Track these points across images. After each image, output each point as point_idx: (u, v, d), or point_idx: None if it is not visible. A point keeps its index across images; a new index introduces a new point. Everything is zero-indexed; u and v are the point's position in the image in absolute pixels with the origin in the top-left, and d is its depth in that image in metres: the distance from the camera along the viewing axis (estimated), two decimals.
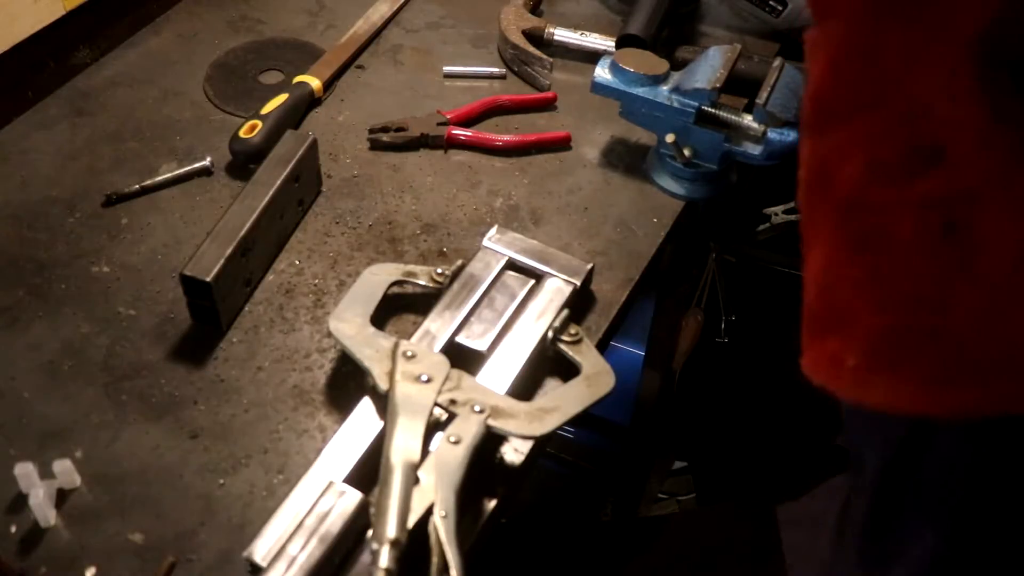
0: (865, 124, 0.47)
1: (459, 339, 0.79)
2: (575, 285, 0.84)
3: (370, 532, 0.66)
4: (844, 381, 0.52)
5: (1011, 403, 0.48)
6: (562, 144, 1.05)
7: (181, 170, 0.99)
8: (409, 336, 0.79)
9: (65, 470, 0.72)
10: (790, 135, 0.92)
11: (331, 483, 0.68)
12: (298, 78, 1.08)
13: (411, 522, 0.65)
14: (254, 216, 0.85)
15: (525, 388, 0.79)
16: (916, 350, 0.49)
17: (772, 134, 0.92)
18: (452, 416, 0.72)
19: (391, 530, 0.62)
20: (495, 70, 1.14)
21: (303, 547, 0.64)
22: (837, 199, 0.51)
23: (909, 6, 0.45)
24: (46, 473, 0.71)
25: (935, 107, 0.45)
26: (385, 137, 1.04)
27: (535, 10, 1.21)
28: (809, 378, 0.52)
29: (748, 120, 0.93)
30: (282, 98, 1.03)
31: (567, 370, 0.80)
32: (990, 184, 0.45)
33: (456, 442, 0.69)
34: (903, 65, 0.45)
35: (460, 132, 1.04)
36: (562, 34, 1.15)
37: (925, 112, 0.45)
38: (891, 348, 0.50)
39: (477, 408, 0.72)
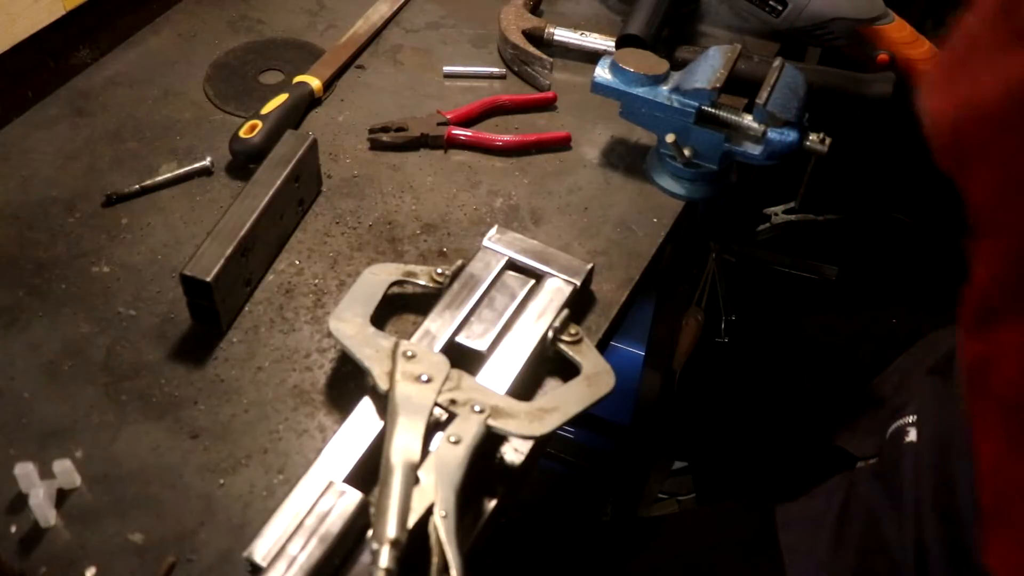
0: None
1: (459, 339, 0.79)
2: (575, 285, 0.84)
3: (370, 532, 0.66)
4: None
5: None
6: (562, 144, 1.05)
7: (181, 170, 0.99)
8: (409, 336, 0.79)
9: (65, 470, 0.72)
10: (790, 135, 0.92)
11: (331, 483, 0.68)
12: (298, 78, 1.08)
13: (411, 522, 0.65)
14: (254, 216, 0.85)
15: (525, 388, 0.79)
16: None
17: (772, 134, 0.92)
18: (452, 416, 0.72)
19: (391, 530, 0.63)
20: (495, 70, 1.14)
21: (303, 547, 0.64)
22: (999, 397, 0.50)
23: None
24: (46, 473, 0.71)
25: None
26: (385, 137, 1.04)
27: (535, 10, 1.21)
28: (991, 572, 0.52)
29: (748, 120, 0.93)
30: (282, 98, 1.03)
31: (567, 370, 0.80)
32: None
33: (456, 442, 0.69)
34: None
35: (460, 132, 1.04)
36: (562, 34, 1.15)
37: None
38: None
39: (477, 408, 0.72)
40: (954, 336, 0.84)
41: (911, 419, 0.90)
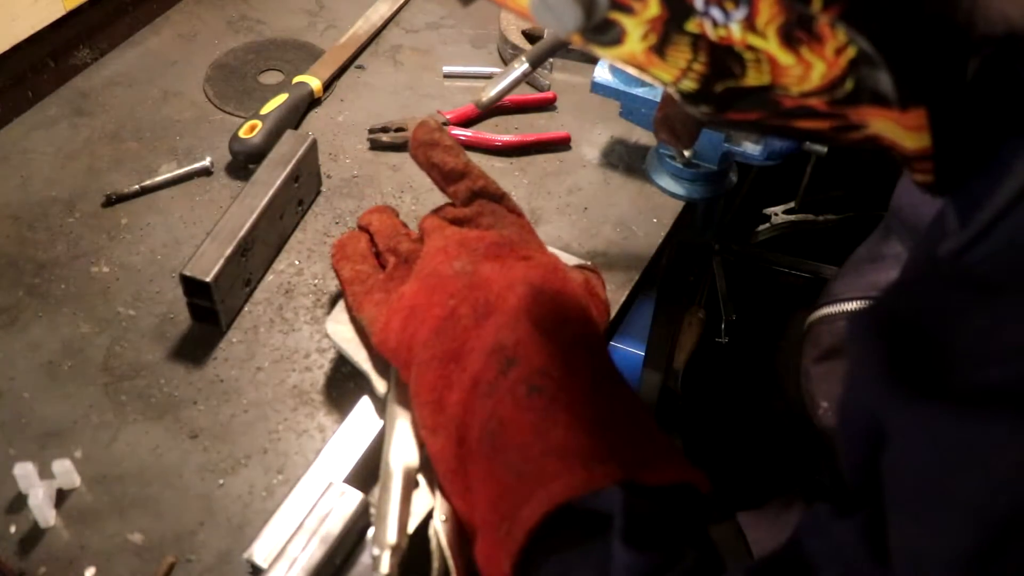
0: None
1: None
2: None
3: (371, 532, 0.66)
4: None
5: None
6: (562, 144, 1.05)
7: (181, 170, 0.99)
8: None
9: (65, 470, 0.72)
10: None
11: (331, 483, 0.68)
12: (298, 78, 1.08)
13: (411, 527, 0.65)
14: (254, 216, 0.85)
15: None
16: None
17: None
18: None
19: (391, 535, 0.62)
20: (495, 70, 1.14)
21: (304, 547, 0.64)
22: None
23: None
24: (46, 473, 0.71)
25: None
26: (385, 137, 1.04)
27: None
28: None
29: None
30: (282, 98, 1.03)
31: None
32: None
33: None
34: None
35: (460, 132, 1.04)
36: None
37: None
38: None
39: None
40: (832, 329, 0.87)
41: (824, 405, 0.91)
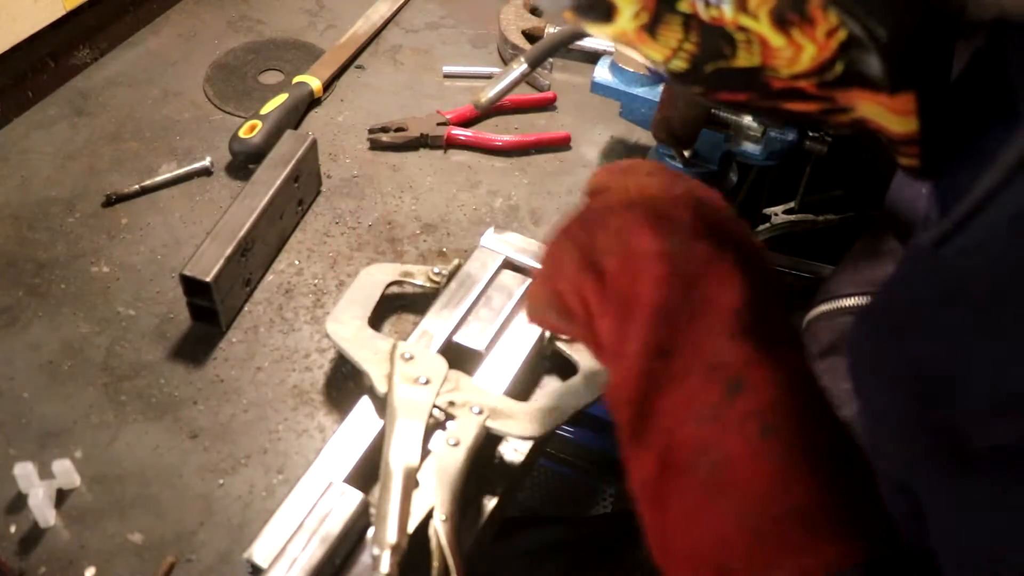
0: None
1: (457, 338, 0.79)
2: None
3: (371, 532, 0.66)
4: None
5: None
6: (562, 144, 1.05)
7: (181, 170, 0.99)
8: (407, 336, 0.79)
9: (65, 470, 0.72)
10: (790, 135, 0.92)
11: (331, 483, 0.68)
12: (298, 78, 1.08)
13: (411, 526, 0.65)
14: (254, 216, 0.85)
15: (523, 387, 0.79)
16: None
17: (772, 134, 0.92)
18: (451, 418, 0.72)
19: (391, 535, 0.62)
20: (495, 70, 1.14)
21: (304, 547, 0.64)
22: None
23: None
24: (46, 473, 0.71)
25: None
26: (385, 137, 1.04)
27: (535, 10, 1.21)
28: None
29: (748, 120, 0.93)
30: (282, 98, 1.03)
31: (565, 369, 0.80)
32: None
33: (455, 444, 0.69)
34: None
35: (460, 132, 1.04)
36: None
37: None
38: None
39: (476, 410, 0.72)
40: (831, 325, 0.85)
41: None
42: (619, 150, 1.05)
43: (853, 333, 0.45)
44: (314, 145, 0.95)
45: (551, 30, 1.15)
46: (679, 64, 0.45)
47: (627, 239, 0.55)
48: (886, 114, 0.43)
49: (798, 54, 0.41)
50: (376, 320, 0.81)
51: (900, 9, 0.38)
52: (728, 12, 0.40)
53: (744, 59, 0.42)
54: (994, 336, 0.37)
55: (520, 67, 0.86)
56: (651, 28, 0.43)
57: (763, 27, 0.40)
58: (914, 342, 0.42)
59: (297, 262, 0.91)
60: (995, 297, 0.37)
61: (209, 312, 0.83)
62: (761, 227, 1.28)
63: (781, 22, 0.40)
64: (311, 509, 0.66)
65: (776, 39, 0.41)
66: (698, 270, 0.54)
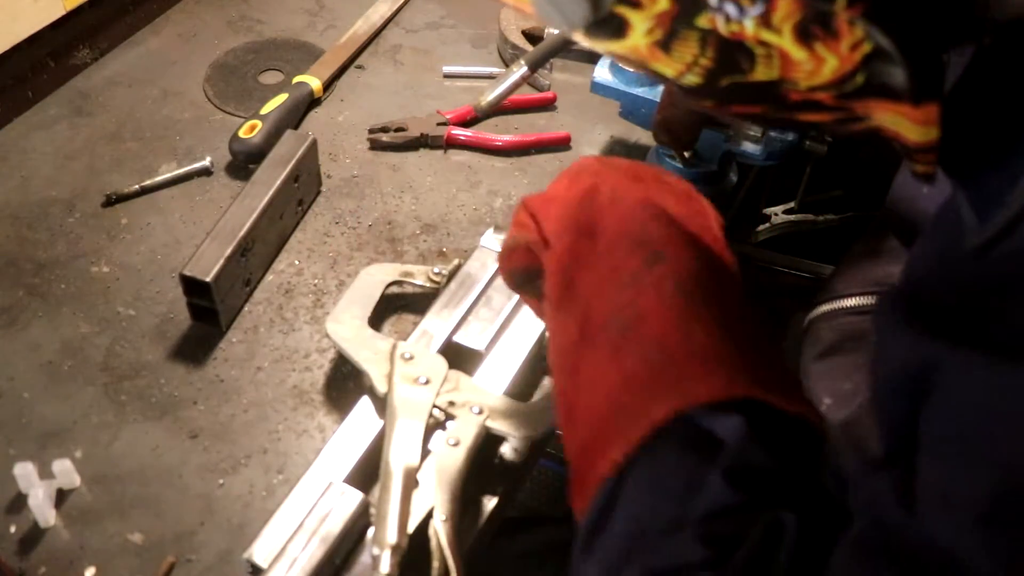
0: None
1: (457, 338, 0.79)
2: None
3: (371, 532, 0.66)
4: None
5: None
6: (562, 144, 1.05)
7: (181, 170, 0.99)
8: (407, 336, 0.79)
9: (65, 470, 0.72)
10: (790, 135, 0.92)
11: (331, 483, 0.68)
12: (298, 78, 1.08)
13: (411, 526, 0.65)
14: (254, 216, 0.85)
15: (523, 387, 0.79)
16: None
17: (772, 134, 0.92)
18: (451, 418, 0.72)
19: (391, 535, 0.62)
20: (495, 70, 1.14)
21: (304, 547, 0.64)
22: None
23: None
24: (46, 473, 0.71)
25: None
26: (385, 137, 1.04)
27: None
28: None
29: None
30: (282, 98, 1.03)
31: None
32: None
33: (455, 444, 0.69)
34: None
35: (460, 132, 1.04)
36: None
37: None
38: None
39: (475, 410, 0.72)
40: (832, 325, 0.88)
41: (828, 402, 0.91)
42: (619, 150, 1.05)
43: (882, 307, 0.44)
44: (314, 145, 0.95)
45: (551, 31, 1.15)
46: (692, 79, 0.44)
47: (574, 168, 0.67)
48: (905, 123, 0.42)
49: (819, 67, 0.40)
50: (376, 320, 0.81)
51: (930, 20, 0.38)
52: (750, 27, 0.39)
53: (762, 73, 0.42)
54: None
55: (520, 69, 0.86)
56: (665, 44, 0.42)
57: (785, 41, 0.40)
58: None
59: (297, 262, 0.91)
60: None
61: (209, 312, 0.83)
62: (761, 227, 1.28)
63: (805, 36, 0.39)
64: (311, 509, 0.66)
65: (798, 53, 0.40)
66: (629, 181, 0.64)
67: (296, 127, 1.05)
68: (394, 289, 0.85)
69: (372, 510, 0.67)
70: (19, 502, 0.71)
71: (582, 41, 0.46)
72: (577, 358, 0.57)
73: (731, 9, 0.39)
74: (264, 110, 1.02)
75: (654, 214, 0.61)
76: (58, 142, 1.02)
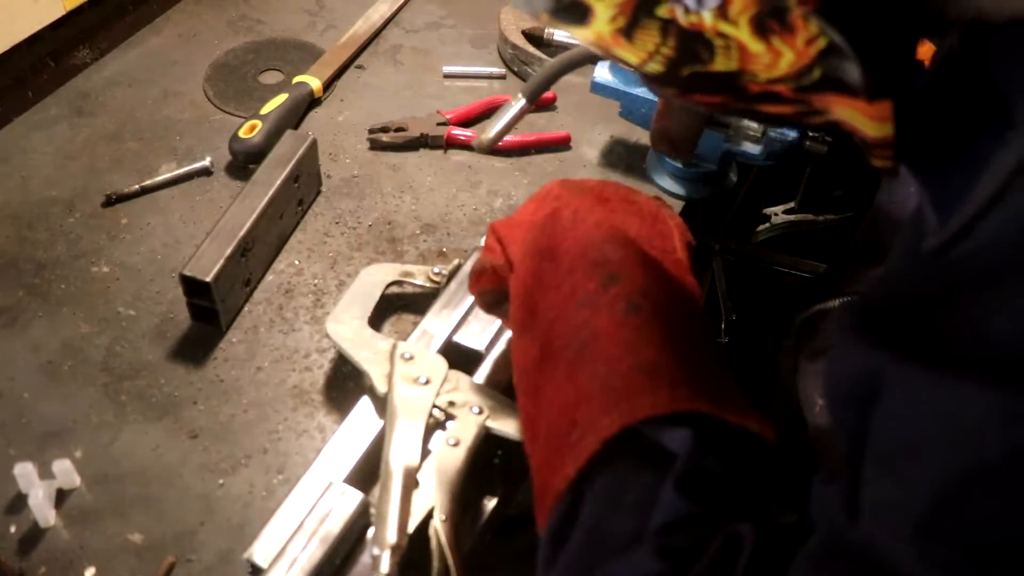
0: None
1: (457, 338, 0.79)
2: None
3: (371, 532, 0.66)
4: None
5: None
6: (562, 144, 1.05)
7: (181, 170, 0.99)
8: (407, 336, 0.79)
9: (65, 470, 0.72)
10: (790, 135, 0.92)
11: (331, 483, 0.68)
12: (298, 78, 1.08)
13: (411, 526, 0.65)
14: (254, 216, 0.85)
15: None
16: None
17: (772, 134, 0.92)
18: (451, 418, 0.72)
19: (391, 535, 0.62)
20: (495, 70, 1.14)
21: (304, 547, 0.64)
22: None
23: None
24: (46, 473, 0.71)
25: None
26: (385, 137, 1.04)
27: None
28: None
29: (748, 120, 0.93)
30: (282, 98, 1.03)
31: None
32: None
33: (455, 445, 0.69)
34: None
35: (460, 132, 1.04)
36: (562, 34, 1.15)
37: None
38: None
39: (475, 410, 0.71)
40: (826, 325, 0.90)
41: (821, 403, 0.91)
42: (619, 150, 1.05)
43: (842, 316, 0.45)
44: (314, 145, 0.95)
45: (551, 30, 1.15)
46: (655, 67, 0.45)
47: (542, 192, 0.69)
48: (862, 118, 0.43)
49: (776, 60, 0.41)
50: (376, 320, 0.81)
51: (883, 18, 0.38)
52: (708, 19, 0.40)
53: (722, 64, 0.42)
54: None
55: (519, 103, 0.85)
56: (627, 32, 0.43)
57: (743, 34, 0.40)
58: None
59: (297, 262, 0.91)
60: (1005, 290, 0.38)
61: (209, 312, 0.83)
62: (761, 227, 1.28)
63: (761, 29, 0.40)
64: (311, 509, 0.66)
65: (755, 45, 0.40)
66: (593, 203, 0.66)
67: (296, 127, 1.05)
68: (394, 289, 0.85)
69: (372, 510, 0.67)
70: (19, 502, 0.71)
71: (547, 25, 0.47)
72: (539, 378, 0.59)
73: (689, 1, 0.40)
74: (264, 110, 1.02)
75: (611, 236, 0.63)
76: (58, 142, 1.02)
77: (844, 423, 0.45)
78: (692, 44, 0.42)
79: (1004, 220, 0.38)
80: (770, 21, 0.39)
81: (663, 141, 0.92)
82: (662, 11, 0.41)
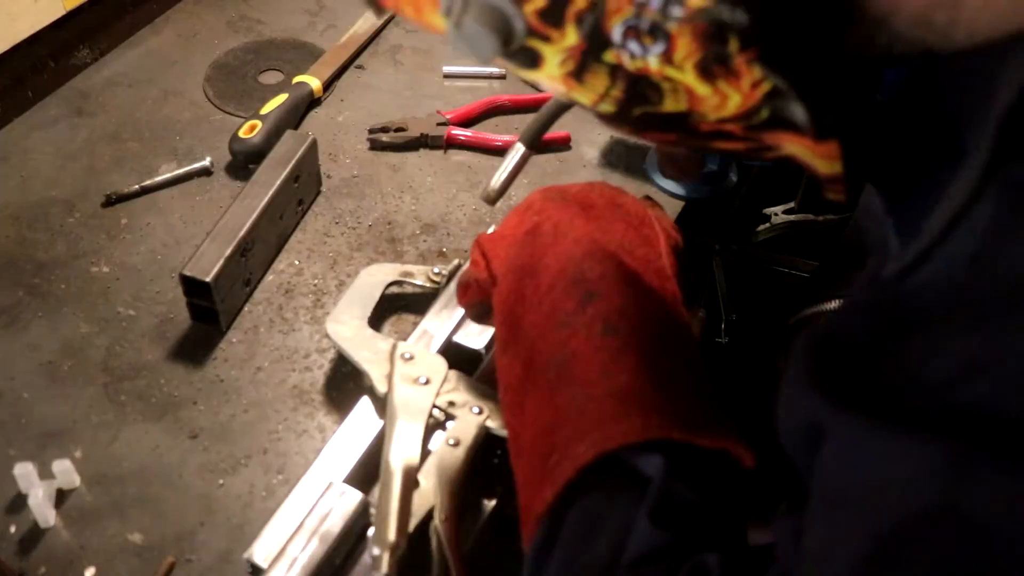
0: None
1: (457, 338, 0.79)
2: None
3: (371, 532, 0.66)
4: None
5: None
6: (562, 144, 1.05)
7: (181, 170, 0.99)
8: (407, 336, 0.79)
9: (65, 470, 0.72)
10: None
11: (331, 483, 0.68)
12: (298, 78, 1.08)
13: (411, 526, 0.65)
14: (254, 216, 0.85)
15: None
16: None
17: None
18: (451, 418, 0.72)
19: (391, 535, 0.62)
20: (495, 70, 1.14)
21: (304, 547, 0.64)
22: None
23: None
24: (46, 473, 0.71)
25: None
26: (385, 137, 1.04)
27: None
28: None
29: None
30: (282, 98, 1.03)
31: None
32: None
33: (455, 444, 0.69)
34: None
35: (460, 132, 1.04)
36: None
37: None
38: None
39: (476, 410, 0.72)
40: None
41: None
42: (619, 150, 1.05)
43: (796, 346, 0.45)
44: (314, 145, 0.95)
45: None
46: (606, 107, 0.45)
47: (524, 204, 0.70)
48: (811, 155, 0.43)
49: (724, 101, 0.41)
50: (376, 320, 0.81)
51: (824, 63, 0.38)
52: (654, 64, 0.40)
53: (671, 105, 0.43)
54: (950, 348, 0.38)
55: (519, 151, 0.84)
56: (577, 75, 0.43)
57: (688, 78, 0.40)
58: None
59: (297, 262, 0.91)
60: (959, 323, 0.38)
61: (209, 312, 0.83)
62: (761, 227, 1.28)
63: (707, 74, 0.40)
64: (311, 509, 0.66)
65: (702, 88, 0.41)
66: (575, 214, 0.67)
67: (296, 127, 1.05)
68: (394, 289, 0.85)
69: (372, 510, 0.67)
70: (19, 502, 0.71)
71: (500, 67, 0.47)
72: (523, 396, 0.60)
73: (634, 47, 0.40)
74: (264, 110, 1.02)
75: (591, 252, 0.63)
76: (58, 142, 1.02)
77: (794, 462, 0.45)
78: (640, 87, 0.42)
79: (954, 253, 0.38)
80: (715, 66, 0.39)
81: (670, 166, 0.93)
82: (609, 56, 0.41)
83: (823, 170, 0.44)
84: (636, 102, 0.43)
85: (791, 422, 0.44)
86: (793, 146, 0.43)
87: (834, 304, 0.90)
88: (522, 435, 0.60)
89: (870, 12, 0.37)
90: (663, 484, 0.52)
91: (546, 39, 0.42)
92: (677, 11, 0.37)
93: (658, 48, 0.39)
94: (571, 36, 0.41)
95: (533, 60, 0.43)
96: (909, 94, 0.45)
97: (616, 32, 0.39)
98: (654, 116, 0.44)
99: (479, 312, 0.72)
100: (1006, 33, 0.36)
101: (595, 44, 0.41)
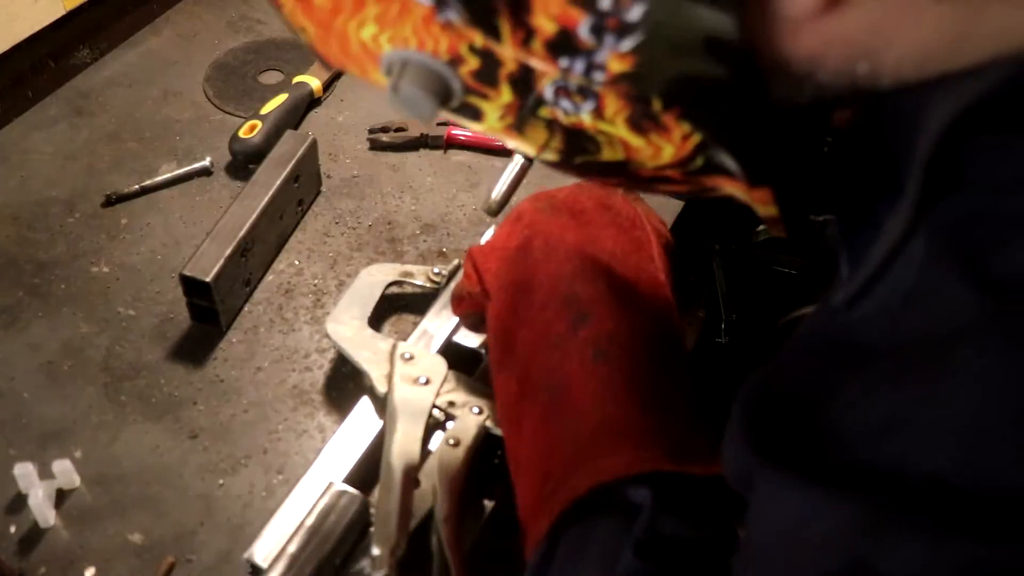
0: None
1: (456, 338, 0.79)
2: None
3: (371, 531, 0.66)
4: None
5: None
6: None
7: (181, 170, 0.99)
8: (407, 336, 0.79)
9: (65, 470, 0.72)
10: None
11: (331, 483, 0.68)
12: (298, 78, 1.08)
13: (411, 526, 0.65)
14: (254, 216, 0.85)
15: None
16: None
17: None
18: (451, 418, 0.72)
19: (391, 535, 0.62)
20: None
21: (304, 548, 0.64)
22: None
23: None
24: (46, 473, 0.71)
25: None
26: (385, 137, 1.04)
27: None
28: None
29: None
30: (282, 98, 1.03)
31: None
32: None
33: (455, 444, 0.69)
34: None
35: (460, 132, 1.04)
36: None
37: None
38: None
39: (476, 410, 0.72)
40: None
41: None
42: None
43: (742, 388, 0.46)
44: (314, 145, 0.95)
45: None
46: (549, 156, 0.46)
47: (513, 215, 0.70)
48: (748, 199, 0.44)
49: (659, 152, 0.42)
50: (376, 320, 0.81)
51: (748, 117, 0.39)
52: (587, 119, 0.41)
53: (609, 155, 0.44)
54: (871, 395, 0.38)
55: (518, 161, 0.84)
56: (518, 128, 0.44)
57: (621, 131, 0.41)
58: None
59: (297, 262, 0.91)
60: (893, 364, 0.38)
61: (209, 312, 0.83)
62: (761, 227, 1.28)
63: (638, 128, 0.40)
64: (311, 509, 0.66)
65: (636, 141, 0.41)
66: (565, 224, 0.67)
67: (296, 127, 1.05)
68: (394, 289, 0.85)
69: (372, 510, 0.67)
70: (19, 502, 0.71)
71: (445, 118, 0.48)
72: (519, 413, 0.61)
73: (566, 105, 0.41)
74: (264, 110, 1.02)
75: (582, 269, 0.64)
76: (58, 142, 1.02)
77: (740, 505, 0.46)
78: (577, 139, 0.43)
79: (893, 287, 0.38)
80: (644, 121, 0.40)
81: None
82: (544, 112, 0.42)
83: (761, 212, 0.45)
84: (576, 152, 0.44)
85: (730, 470, 0.45)
86: (731, 189, 0.44)
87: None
88: (520, 452, 0.61)
89: (791, 71, 0.37)
90: (650, 518, 0.53)
91: (484, 96, 0.42)
92: (600, 76, 0.37)
93: (588, 106, 0.40)
94: (506, 95, 0.42)
95: (475, 114, 0.44)
96: (857, 126, 0.46)
97: (548, 91, 0.40)
98: (595, 164, 0.45)
99: (475, 322, 0.73)
100: (935, 72, 0.36)
101: (529, 102, 0.42)
